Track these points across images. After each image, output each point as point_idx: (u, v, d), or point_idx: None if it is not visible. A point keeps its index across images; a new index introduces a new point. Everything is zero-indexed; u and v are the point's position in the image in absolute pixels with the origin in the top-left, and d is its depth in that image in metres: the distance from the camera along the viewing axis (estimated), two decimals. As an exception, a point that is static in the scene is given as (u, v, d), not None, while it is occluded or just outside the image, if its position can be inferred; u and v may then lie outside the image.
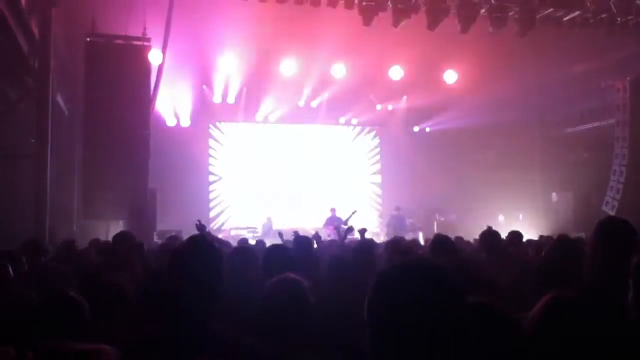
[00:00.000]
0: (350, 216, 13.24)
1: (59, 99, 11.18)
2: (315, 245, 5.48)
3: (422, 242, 10.56)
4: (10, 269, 3.55)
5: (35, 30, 9.41)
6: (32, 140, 9.64)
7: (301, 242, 4.59)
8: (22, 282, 3.66)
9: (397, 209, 14.95)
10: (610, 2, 11.38)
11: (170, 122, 15.53)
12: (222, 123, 16.84)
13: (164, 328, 2.09)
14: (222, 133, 16.92)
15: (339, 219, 13.58)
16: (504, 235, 6.77)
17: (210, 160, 16.67)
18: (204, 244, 2.24)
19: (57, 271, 3.76)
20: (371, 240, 6.66)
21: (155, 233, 11.33)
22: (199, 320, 2.07)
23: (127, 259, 4.40)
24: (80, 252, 5.70)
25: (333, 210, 14.31)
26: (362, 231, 7.22)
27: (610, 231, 2.83)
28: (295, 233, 5.90)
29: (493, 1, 10.92)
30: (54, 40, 9.79)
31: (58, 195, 10.58)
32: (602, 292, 2.47)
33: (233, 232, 14.53)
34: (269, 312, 2.34)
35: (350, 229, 8.15)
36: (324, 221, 14.15)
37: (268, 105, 16.48)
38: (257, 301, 2.47)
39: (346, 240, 7.44)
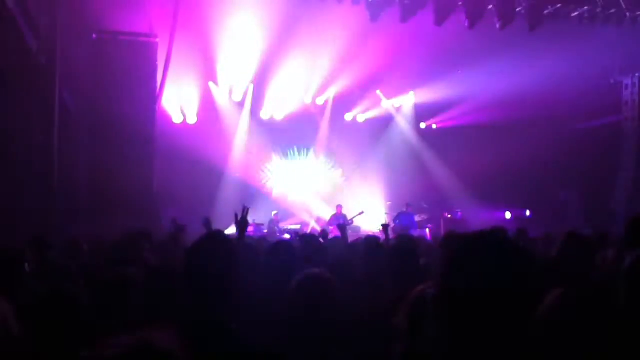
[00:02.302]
0: (356, 216, 13.22)
1: (66, 95, 11.18)
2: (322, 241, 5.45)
3: (429, 238, 10.52)
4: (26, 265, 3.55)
5: (42, 27, 9.42)
6: (39, 137, 9.66)
7: (308, 239, 4.56)
8: (29, 278, 3.65)
9: (408, 205, 14.91)
10: (620, -3, 11.30)
11: (177, 119, 15.54)
12: (228, 120, 16.81)
13: (178, 326, 2.06)
14: (229, 130, 16.89)
15: (344, 217, 13.55)
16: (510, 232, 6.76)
17: (216, 157, 16.64)
18: (221, 241, 2.21)
19: (62, 268, 3.75)
20: (377, 239, 6.60)
21: (160, 230, 11.33)
22: (215, 318, 2.04)
23: (138, 255, 4.38)
24: (86, 248, 5.69)
25: (339, 207, 14.29)
26: (386, 226, 7.07)
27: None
28: (304, 234, 5.87)
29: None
30: (61, 37, 9.80)
31: (63, 192, 10.59)
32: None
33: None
34: (298, 308, 2.30)
35: (346, 224, 8.07)
36: (329, 218, 14.14)
37: (274, 103, 16.46)
38: (278, 297, 2.43)
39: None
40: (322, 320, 2.25)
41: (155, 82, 11.13)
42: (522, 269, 1.27)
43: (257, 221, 15.18)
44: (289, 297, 2.35)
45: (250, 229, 14.34)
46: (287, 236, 12.26)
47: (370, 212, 15.73)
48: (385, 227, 6.57)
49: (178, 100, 15.21)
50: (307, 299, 2.30)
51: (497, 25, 11.13)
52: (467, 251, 1.31)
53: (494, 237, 1.32)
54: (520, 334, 1.25)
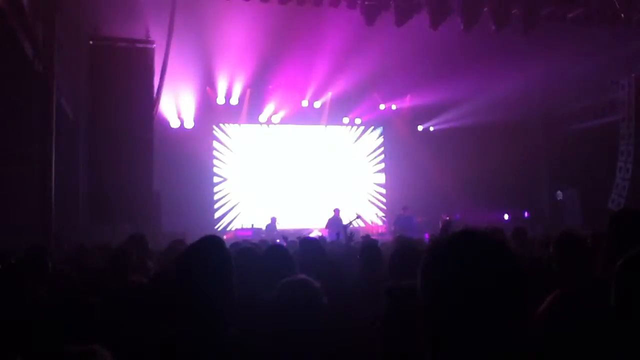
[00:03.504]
0: (352, 221, 13.17)
1: (63, 102, 11.20)
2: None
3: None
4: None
5: (39, 34, 9.43)
6: (37, 144, 9.66)
7: (308, 244, 4.56)
8: (31, 285, 3.66)
9: (405, 208, 14.91)
10: (614, -1, 11.34)
11: (174, 124, 15.55)
12: (225, 124, 16.85)
13: (178, 331, 2.08)
14: (226, 134, 16.92)
15: (341, 220, 13.52)
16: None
17: (214, 161, 16.67)
18: (216, 245, 2.22)
19: (63, 274, 3.77)
20: (375, 241, 6.62)
21: (160, 235, 11.34)
22: (213, 322, 2.05)
23: (139, 260, 4.39)
24: (87, 254, 5.70)
25: (337, 211, 14.27)
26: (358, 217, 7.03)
27: (625, 223, 2.81)
28: (300, 237, 5.87)
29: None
30: (58, 44, 9.81)
31: (63, 198, 10.60)
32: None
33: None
34: (281, 313, 2.30)
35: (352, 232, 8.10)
36: (326, 222, 14.13)
37: (271, 106, 16.49)
38: (264, 302, 2.44)
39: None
40: (303, 327, 2.24)
41: (153, 87, 11.15)
42: (498, 271, 1.17)
43: (255, 225, 15.23)
44: (271, 303, 2.35)
45: (248, 232, 14.41)
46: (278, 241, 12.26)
47: (368, 213, 15.77)
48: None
49: (175, 105, 15.23)
50: (288, 305, 2.30)
51: (493, 28, 11.16)
52: (433, 255, 1.23)
53: (464, 238, 1.23)
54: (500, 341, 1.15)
